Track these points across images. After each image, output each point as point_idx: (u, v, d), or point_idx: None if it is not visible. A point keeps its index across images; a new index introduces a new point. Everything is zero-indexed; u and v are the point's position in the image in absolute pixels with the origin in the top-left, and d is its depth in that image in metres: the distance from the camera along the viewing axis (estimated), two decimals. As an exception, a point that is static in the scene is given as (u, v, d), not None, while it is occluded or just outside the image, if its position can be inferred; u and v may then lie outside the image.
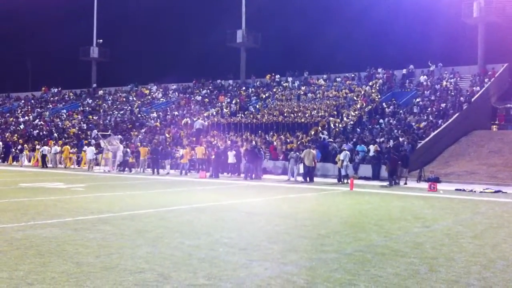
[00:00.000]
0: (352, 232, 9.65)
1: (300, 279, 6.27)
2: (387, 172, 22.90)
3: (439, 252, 7.97)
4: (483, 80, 35.94)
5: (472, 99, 32.71)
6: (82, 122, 45.97)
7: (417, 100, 35.28)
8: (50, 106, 55.26)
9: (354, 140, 28.78)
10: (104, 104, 51.56)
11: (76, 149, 35.80)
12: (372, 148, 26.52)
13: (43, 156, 33.26)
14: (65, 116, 49.39)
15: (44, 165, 33.08)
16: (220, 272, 6.49)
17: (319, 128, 31.55)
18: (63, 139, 40.09)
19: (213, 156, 26.86)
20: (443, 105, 33.03)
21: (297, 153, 25.16)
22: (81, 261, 6.94)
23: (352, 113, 33.47)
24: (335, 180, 23.86)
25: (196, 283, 6.01)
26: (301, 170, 24.65)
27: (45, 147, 34.04)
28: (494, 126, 35.17)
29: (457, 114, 30.95)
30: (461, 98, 33.02)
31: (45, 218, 10.78)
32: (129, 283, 5.98)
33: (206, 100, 46.08)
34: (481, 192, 19.10)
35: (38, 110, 53.55)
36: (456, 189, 19.96)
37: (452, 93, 34.87)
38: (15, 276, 6.17)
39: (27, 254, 7.34)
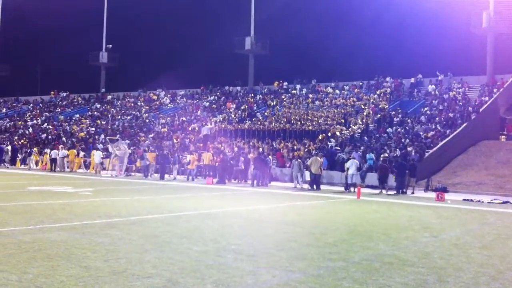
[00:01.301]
0: (359, 241, 9.63)
1: (308, 287, 6.26)
2: (394, 180, 22.87)
3: (447, 262, 7.94)
4: (491, 90, 35.81)
5: (481, 109, 32.57)
6: (90, 127, 46.18)
7: (425, 109, 35.22)
8: (59, 110, 55.56)
9: (363, 148, 28.73)
10: (112, 109, 51.80)
11: (84, 153, 35.88)
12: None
13: (53, 160, 33.31)
14: (74, 120, 49.62)
15: (53, 168, 33.15)
16: (227, 279, 6.50)
17: (329, 134, 31.54)
18: (70, 143, 40.25)
19: (217, 164, 26.93)
20: (451, 114, 32.94)
21: (299, 160, 25.18)
22: (90, 265, 6.97)
23: (360, 122, 33.45)
24: (342, 188, 23.81)
25: (204, 289, 6.02)
26: (307, 178, 24.64)
27: (55, 151, 34.16)
28: (503, 137, 34.97)
29: (465, 124, 30.82)
30: (470, 108, 32.90)
31: (53, 221, 10.83)
32: (137, 288, 6.00)
33: (214, 106, 46.19)
34: (489, 202, 19.00)
35: (47, 114, 53.83)
36: (464, 199, 19.85)
37: (461, 103, 34.79)
38: (24, 279, 6.21)
39: (36, 257, 7.38)
